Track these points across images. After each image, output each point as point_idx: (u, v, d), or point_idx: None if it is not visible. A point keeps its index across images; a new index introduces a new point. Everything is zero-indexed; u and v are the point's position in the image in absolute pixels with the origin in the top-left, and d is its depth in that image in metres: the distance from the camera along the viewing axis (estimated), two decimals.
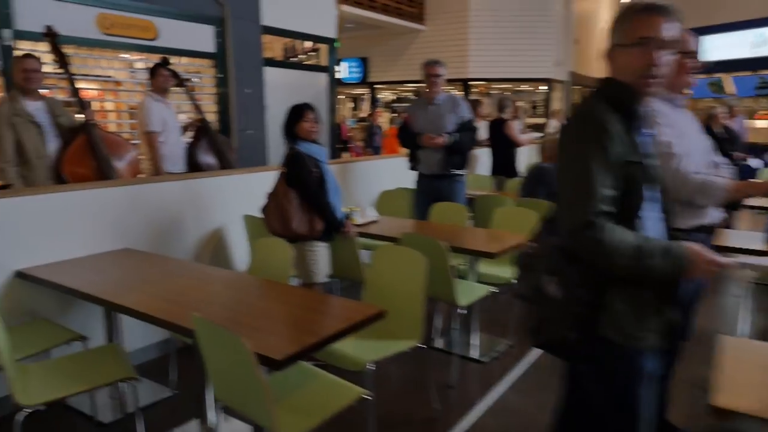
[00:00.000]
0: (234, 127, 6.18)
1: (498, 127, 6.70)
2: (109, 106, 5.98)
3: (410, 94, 15.32)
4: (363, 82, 15.30)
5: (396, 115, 14.08)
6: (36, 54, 3.81)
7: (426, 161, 4.43)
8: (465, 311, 3.33)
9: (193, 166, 4.67)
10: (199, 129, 4.79)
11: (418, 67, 4.53)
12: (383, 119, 12.35)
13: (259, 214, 3.27)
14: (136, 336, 3.27)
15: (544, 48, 13.06)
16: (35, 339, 2.64)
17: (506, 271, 3.71)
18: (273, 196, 3.15)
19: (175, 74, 4.64)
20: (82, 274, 2.78)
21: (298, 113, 3.15)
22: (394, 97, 16.52)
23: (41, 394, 2.13)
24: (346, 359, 2.46)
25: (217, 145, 4.77)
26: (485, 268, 3.75)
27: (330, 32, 7.63)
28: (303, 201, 3.10)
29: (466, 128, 4.35)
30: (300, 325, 2.14)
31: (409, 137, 4.49)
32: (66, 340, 2.64)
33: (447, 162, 4.35)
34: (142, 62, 5.59)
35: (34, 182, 3.63)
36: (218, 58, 6.09)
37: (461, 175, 4.51)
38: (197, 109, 4.83)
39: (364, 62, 15.16)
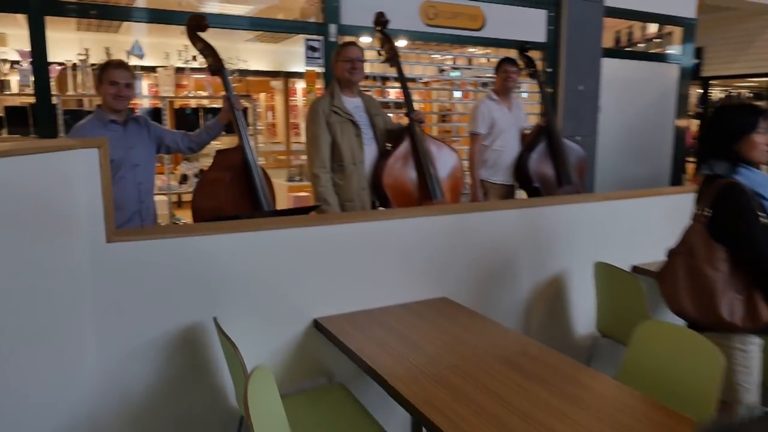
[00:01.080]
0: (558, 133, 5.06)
1: None
2: (422, 106, 5.46)
3: (747, 91, 12.13)
4: (695, 77, 12.66)
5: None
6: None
7: None
8: None
9: (523, 177, 3.75)
10: (540, 129, 3.84)
11: None
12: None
13: (619, 263, 2.11)
14: None
15: None
16: (327, 412, 1.94)
17: None
18: (682, 254, 1.92)
19: (529, 62, 3.78)
20: (383, 335, 1.99)
21: (747, 121, 1.86)
22: (722, 95, 13.35)
23: None
24: None
25: (559, 152, 3.74)
26: None
27: (689, 11, 5.93)
28: (738, 268, 1.82)
29: None
30: None
31: None
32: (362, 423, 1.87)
33: None
34: (461, 56, 4.88)
35: (348, 193, 3.07)
36: (548, 49, 5.03)
37: None
38: (544, 104, 3.89)
39: (698, 52, 12.52)
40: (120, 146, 2.67)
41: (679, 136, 6.38)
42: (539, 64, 4.99)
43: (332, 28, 4.14)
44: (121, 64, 2.71)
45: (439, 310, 2.31)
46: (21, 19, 7.83)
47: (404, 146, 3.21)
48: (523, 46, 3.99)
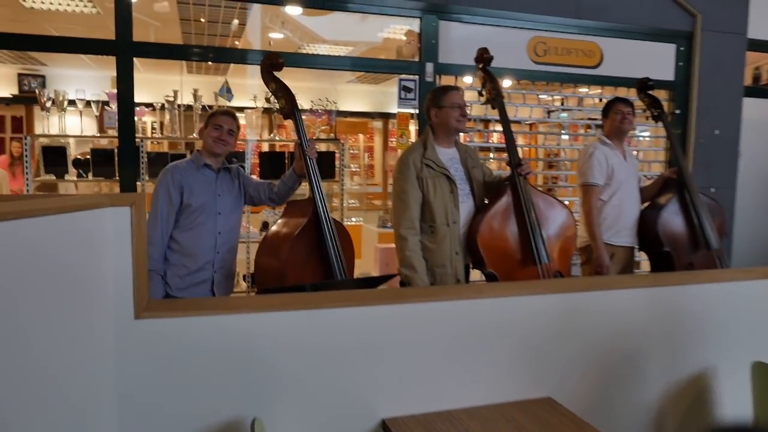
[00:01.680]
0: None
1: None
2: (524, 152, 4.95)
3: None
4: None
5: None
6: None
7: None
8: None
9: (650, 239, 3.17)
10: (667, 181, 3.27)
11: None
12: None
13: None
14: None
15: None
16: None
17: None
18: None
19: (653, 102, 3.24)
20: None
21: None
22: None
23: None
24: None
25: (696, 209, 3.12)
26: None
27: None
28: None
29: None
30: None
31: None
32: None
33: None
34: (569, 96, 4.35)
35: (439, 257, 2.66)
36: (677, 88, 4.39)
37: None
38: (672, 151, 3.31)
39: None
40: (207, 191, 2.58)
41: None
42: (665, 105, 4.36)
43: (429, 67, 3.81)
44: (229, 113, 2.65)
45: (540, 417, 1.79)
46: (145, 64, 8.31)
47: (505, 199, 2.76)
48: (645, 84, 3.42)
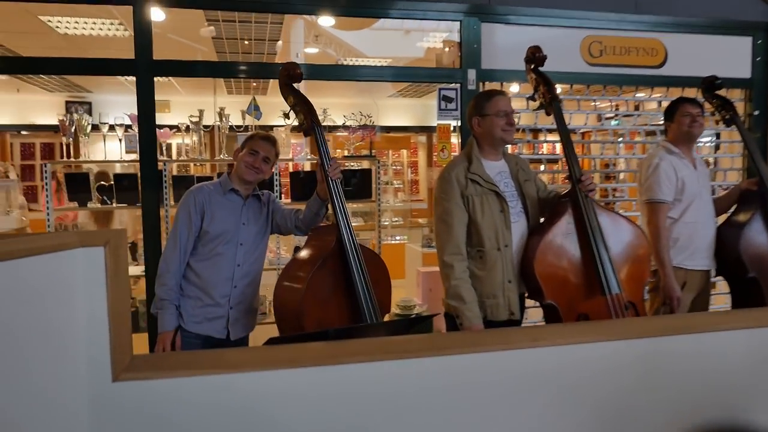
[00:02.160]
0: None
1: None
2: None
3: None
4: None
5: None
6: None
7: None
8: None
9: (731, 263, 2.73)
10: (745, 194, 2.82)
11: None
12: None
13: None
14: None
15: None
16: None
17: None
18: None
19: (724, 103, 2.81)
20: None
21: None
22: None
23: None
24: None
25: None
26: None
27: None
28: None
29: None
30: None
31: None
32: None
33: None
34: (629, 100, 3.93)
35: (490, 286, 2.31)
36: (754, 86, 3.90)
37: None
38: (750, 157, 2.85)
39: None
40: (231, 219, 2.33)
41: None
42: (741, 106, 3.89)
43: (471, 74, 3.48)
44: (268, 138, 2.41)
45: None
46: (185, 86, 8.32)
47: (566, 218, 2.39)
48: (712, 83, 2.97)
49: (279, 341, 1.57)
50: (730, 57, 3.82)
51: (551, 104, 2.54)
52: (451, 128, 3.63)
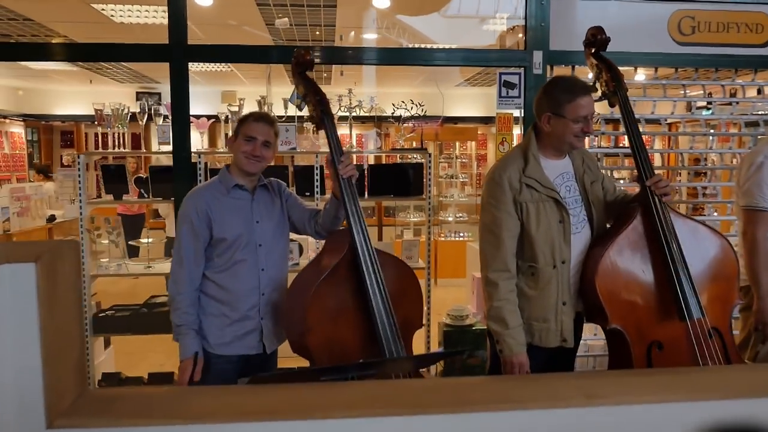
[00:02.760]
0: None
1: None
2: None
3: None
4: None
5: None
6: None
7: None
8: None
9: None
10: None
11: None
12: None
13: None
14: None
15: None
16: None
17: None
18: None
19: None
20: None
21: None
22: None
23: None
24: None
25: None
26: None
27: None
28: None
29: None
30: None
31: None
32: None
33: None
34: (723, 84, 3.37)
35: (541, 309, 1.98)
36: None
37: None
38: None
39: None
40: (242, 220, 2.05)
41: None
42: None
43: (536, 56, 3.07)
44: (263, 117, 2.08)
45: None
46: (255, 74, 8.28)
47: (635, 227, 2.00)
48: None
49: (263, 381, 1.29)
50: None
51: (616, 93, 2.12)
52: (513, 118, 3.24)
